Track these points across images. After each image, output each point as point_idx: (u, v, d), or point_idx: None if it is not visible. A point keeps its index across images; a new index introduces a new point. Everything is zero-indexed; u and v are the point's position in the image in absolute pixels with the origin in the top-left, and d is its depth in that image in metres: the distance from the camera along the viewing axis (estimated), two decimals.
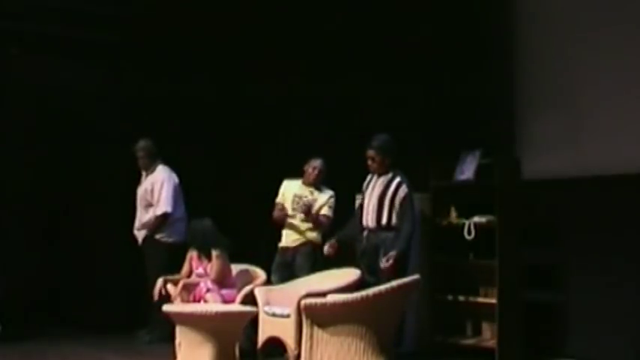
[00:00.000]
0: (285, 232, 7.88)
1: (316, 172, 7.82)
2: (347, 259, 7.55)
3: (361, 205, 7.51)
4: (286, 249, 7.84)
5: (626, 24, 7.54)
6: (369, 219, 7.38)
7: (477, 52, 8.50)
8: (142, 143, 8.64)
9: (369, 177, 7.54)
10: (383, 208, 7.29)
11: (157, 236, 8.49)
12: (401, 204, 7.25)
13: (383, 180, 7.37)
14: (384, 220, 7.28)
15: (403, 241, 7.16)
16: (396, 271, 6.98)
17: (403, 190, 7.26)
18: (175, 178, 8.61)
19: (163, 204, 8.49)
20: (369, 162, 7.40)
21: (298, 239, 7.81)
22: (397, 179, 7.32)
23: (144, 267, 8.49)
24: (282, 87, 9.64)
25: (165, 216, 8.47)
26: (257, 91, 9.77)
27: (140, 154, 8.64)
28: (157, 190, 8.52)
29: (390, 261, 7.03)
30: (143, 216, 8.64)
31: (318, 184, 7.87)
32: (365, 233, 7.42)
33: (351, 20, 9.24)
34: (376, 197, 7.33)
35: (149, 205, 8.58)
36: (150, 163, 8.65)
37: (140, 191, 8.69)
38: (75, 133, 9.79)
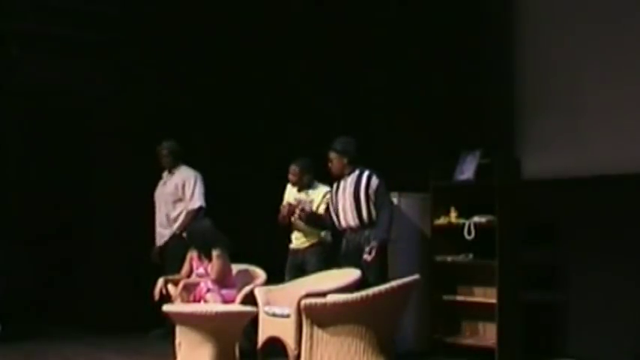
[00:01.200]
0: (294, 235, 7.89)
1: (294, 177, 7.84)
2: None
3: (336, 210, 7.46)
4: (296, 251, 7.85)
5: (626, 24, 7.54)
6: (348, 218, 7.36)
7: (476, 52, 8.50)
8: (166, 142, 8.68)
9: (335, 184, 7.53)
10: (360, 204, 7.28)
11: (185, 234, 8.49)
12: (375, 194, 7.26)
13: (351, 179, 7.37)
14: (365, 215, 7.28)
15: (383, 231, 7.17)
16: (378, 260, 7.04)
17: (374, 181, 7.28)
18: (202, 178, 8.67)
19: (197, 198, 8.53)
20: (329, 164, 7.45)
21: (306, 241, 7.81)
22: (366, 172, 7.34)
23: (163, 264, 8.43)
24: (284, 87, 9.66)
25: (200, 210, 8.48)
26: (259, 91, 9.78)
27: (164, 152, 8.67)
28: (190, 185, 8.56)
29: (373, 253, 7.06)
30: (171, 212, 8.64)
31: (307, 185, 7.85)
32: (346, 235, 7.42)
33: (351, 21, 9.24)
34: (350, 195, 7.32)
35: (178, 200, 8.59)
36: (174, 163, 8.68)
37: (167, 188, 8.68)
38: (75, 133, 9.80)
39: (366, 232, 7.27)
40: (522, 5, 8.46)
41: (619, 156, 7.42)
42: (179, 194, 8.60)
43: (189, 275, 7.64)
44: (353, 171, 7.39)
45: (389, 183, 7.44)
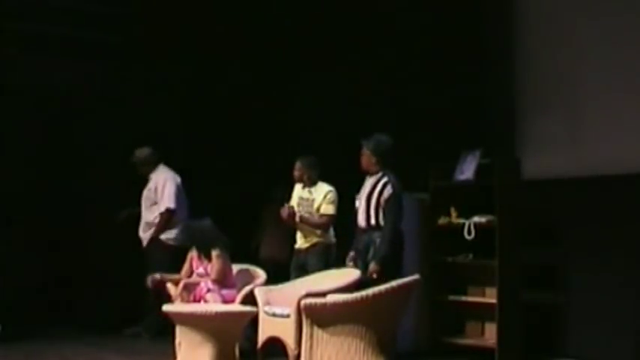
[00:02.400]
0: (298, 235, 7.90)
1: (296, 172, 7.85)
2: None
3: (355, 208, 7.51)
4: (299, 251, 7.86)
5: (626, 24, 7.55)
6: (360, 218, 7.39)
7: (476, 52, 8.50)
8: (135, 153, 8.75)
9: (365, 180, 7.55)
10: (370, 208, 7.28)
11: (164, 237, 8.50)
12: (385, 203, 7.23)
13: (372, 180, 7.36)
14: (373, 220, 7.27)
15: (385, 246, 7.11)
16: (384, 276, 6.92)
17: (388, 191, 7.22)
18: (178, 179, 8.70)
19: (167, 200, 8.56)
20: (361, 156, 7.42)
21: (308, 241, 7.81)
22: (384, 179, 7.29)
23: (145, 269, 8.44)
24: (285, 87, 9.66)
25: (169, 212, 8.48)
26: (259, 91, 9.78)
27: (135, 162, 8.75)
28: (161, 187, 8.63)
29: (374, 269, 7.02)
30: (147, 216, 8.71)
31: (310, 182, 7.85)
32: (357, 233, 7.43)
33: (352, 22, 9.25)
34: (365, 197, 7.33)
35: (154, 203, 8.65)
36: (148, 169, 8.76)
37: (145, 192, 8.77)
38: (75, 133, 9.79)
39: (375, 235, 7.22)
40: (522, 5, 8.47)
41: (619, 156, 7.42)
42: (153, 197, 8.67)
43: (189, 275, 7.64)
44: (377, 172, 7.34)
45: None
